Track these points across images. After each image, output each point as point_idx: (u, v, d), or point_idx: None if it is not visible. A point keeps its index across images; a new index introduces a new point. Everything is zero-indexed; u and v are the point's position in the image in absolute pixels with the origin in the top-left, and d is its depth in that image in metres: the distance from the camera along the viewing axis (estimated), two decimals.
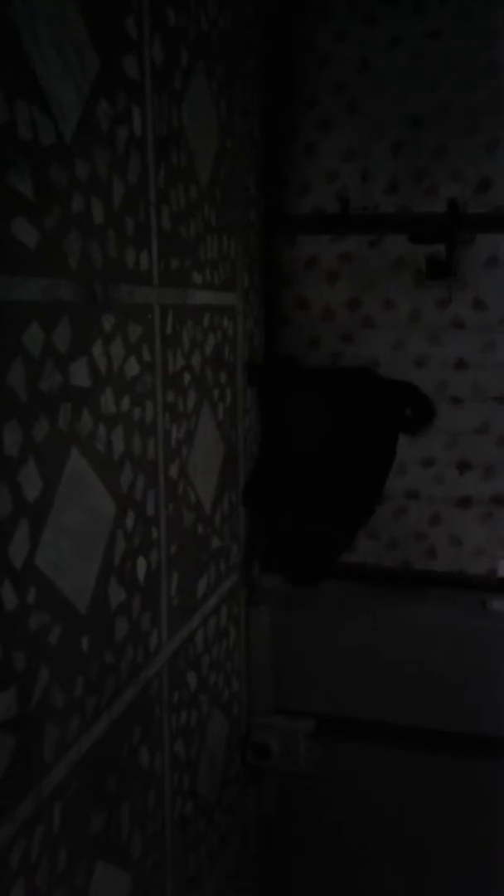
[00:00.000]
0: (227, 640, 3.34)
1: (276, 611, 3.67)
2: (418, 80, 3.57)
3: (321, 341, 3.80)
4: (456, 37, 3.52)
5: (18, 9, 1.68)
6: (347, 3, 3.62)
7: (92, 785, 2.13)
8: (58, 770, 1.94)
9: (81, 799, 2.06)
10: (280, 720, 3.61)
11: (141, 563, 2.43)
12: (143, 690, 2.46)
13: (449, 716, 3.61)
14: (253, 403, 3.63)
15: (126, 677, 2.33)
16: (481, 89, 3.51)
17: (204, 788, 3.08)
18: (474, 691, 3.58)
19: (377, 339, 3.74)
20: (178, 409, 2.69)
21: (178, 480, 2.72)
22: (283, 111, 3.69)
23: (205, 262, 2.88)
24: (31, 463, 1.78)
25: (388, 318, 3.72)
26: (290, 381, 3.82)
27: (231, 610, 3.39)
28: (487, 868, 3.59)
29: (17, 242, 1.71)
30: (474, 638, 3.63)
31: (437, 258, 3.54)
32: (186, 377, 2.75)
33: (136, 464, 2.35)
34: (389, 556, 3.89)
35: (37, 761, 1.85)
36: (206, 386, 2.96)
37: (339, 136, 3.68)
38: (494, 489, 3.74)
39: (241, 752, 3.49)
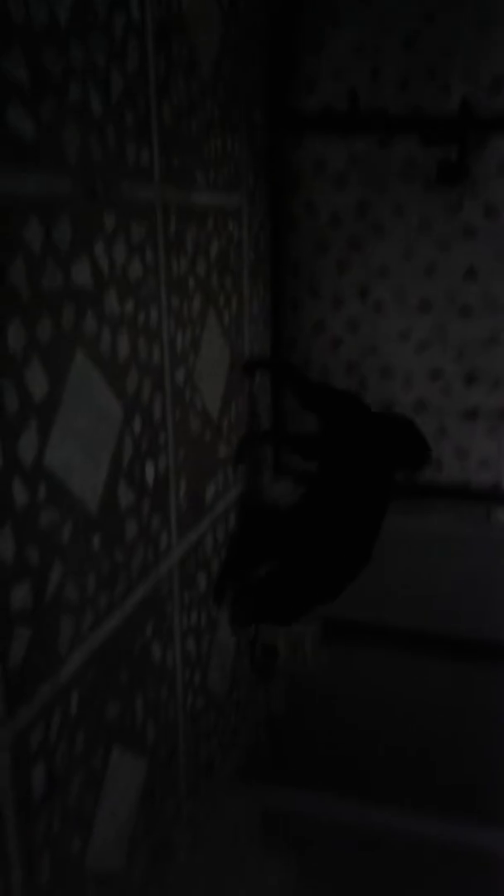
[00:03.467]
0: (235, 545, 3.40)
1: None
2: None
3: (329, 247, 3.74)
4: None
5: None
6: None
7: (106, 676, 2.21)
8: (73, 660, 2.01)
9: (97, 688, 2.15)
10: None
11: (149, 467, 2.46)
12: (154, 589, 2.53)
13: (452, 621, 3.71)
14: (261, 310, 3.60)
15: (137, 576, 2.39)
16: None
17: (214, 685, 3.20)
18: (477, 598, 3.67)
19: (386, 246, 3.67)
20: (183, 314, 2.67)
21: (185, 387, 2.73)
22: (290, 1, 3.53)
23: (208, 161, 2.81)
24: (36, 362, 1.79)
25: (398, 224, 3.64)
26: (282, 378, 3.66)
27: (241, 516, 3.45)
28: (486, 766, 3.74)
29: (12, 133, 1.67)
30: (478, 548, 3.69)
31: (449, 161, 3.43)
32: (191, 282, 2.72)
33: (141, 369, 2.36)
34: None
35: (53, 652, 1.93)
36: (211, 292, 2.93)
37: (349, 30, 3.51)
38: (502, 401, 3.73)
39: (249, 652, 3.60)
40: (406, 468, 3.08)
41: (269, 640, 3.63)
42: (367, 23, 3.49)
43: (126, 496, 2.30)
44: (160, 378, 2.50)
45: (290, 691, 3.93)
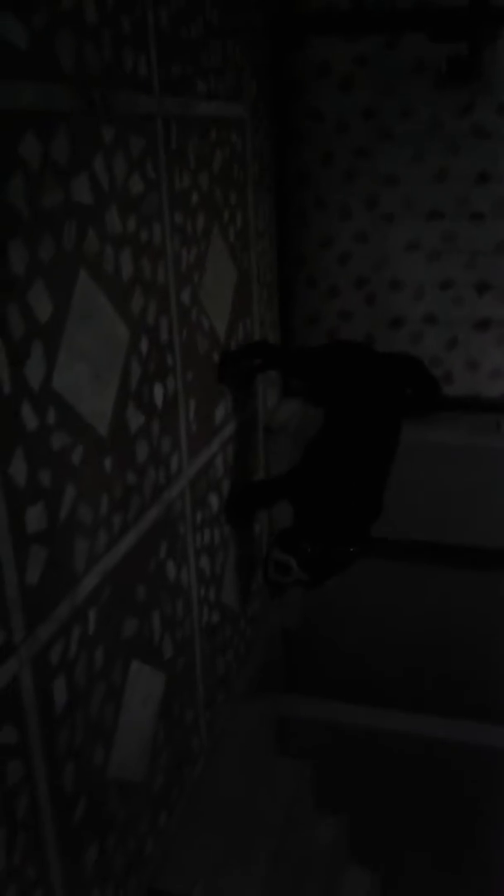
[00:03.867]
0: (247, 466, 3.42)
1: (293, 438, 3.73)
2: None
3: (335, 156, 3.62)
4: None
5: None
6: None
7: (122, 594, 2.26)
8: (89, 579, 2.05)
9: (114, 606, 2.20)
10: None
11: (158, 389, 2.45)
12: (167, 510, 2.56)
13: (464, 532, 3.75)
14: (267, 226, 3.51)
15: (150, 497, 2.41)
16: None
17: (229, 600, 3.27)
18: (489, 508, 3.69)
19: (394, 151, 3.55)
20: (187, 231, 2.61)
21: (191, 307, 2.69)
22: None
23: (209, 69, 2.69)
24: (40, 283, 1.76)
25: (406, 128, 3.51)
26: (270, 364, 3.29)
27: (250, 437, 3.45)
28: (495, 673, 3.85)
29: (4, 42, 1.60)
30: (488, 458, 3.70)
31: (460, 57, 3.28)
32: (194, 197, 2.65)
33: (146, 288, 2.32)
34: None
35: (69, 571, 1.96)
36: (215, 207, 2.85)
37: None
38: None
39: (263, 568, 3.67)
40: (415, 410, 2.94)
41: (281, 557, 3.68)
42: None
43: (136, 418, 2.30)
44: (166, 298, 2.46)
45: (305, 605, 4.02)
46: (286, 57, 3.49)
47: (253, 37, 3.15)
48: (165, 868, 2.63)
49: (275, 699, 3.71)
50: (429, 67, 3.40)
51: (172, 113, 2.41)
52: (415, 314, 3.80)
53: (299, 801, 3.38)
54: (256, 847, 3.01)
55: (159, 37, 2.29)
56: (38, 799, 1.88)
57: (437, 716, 3.49)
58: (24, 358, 1.72)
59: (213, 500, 3.01)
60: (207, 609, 3.01)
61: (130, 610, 2.33)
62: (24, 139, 1.67)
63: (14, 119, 1.64)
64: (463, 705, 3.59)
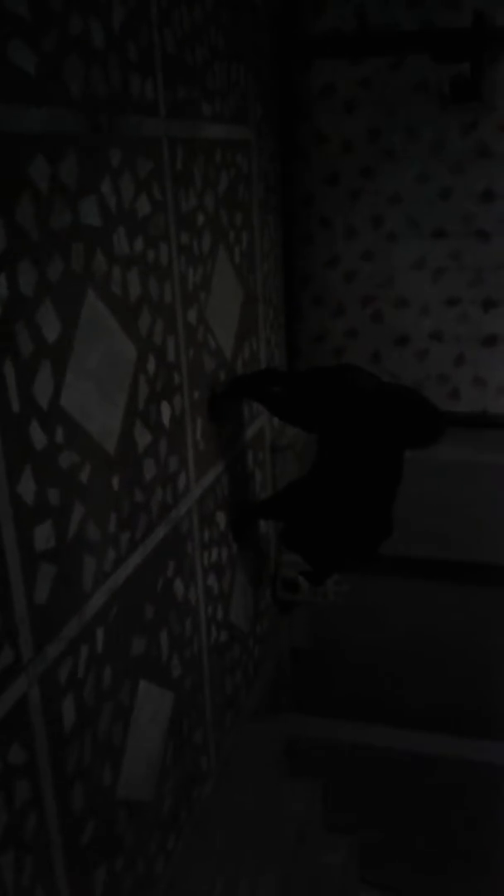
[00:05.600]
0: (254, 484, 3.43)
1: (299, 457, 3.73)
2: None
3: (340, 176, 3.65)
4: None
5: None
6: None
7: (130, 612, 2.26)
8: (98, 597, 2.06)
9: (121, 624, 2.20)
10: None
11: (165, 408, 2.46)
12: (175, 528, 2.56)
13: (471, 549, 3.74)
14: (272, 246, 3.54)
15: (157, 515, 2.42)
16: None
17: (237, 619, 3.26)
18: (496, 525, 3.68)
19: (399, 171, 3.58)
20: (194, 251, 2.63)
21: (198, 326, 2.71)
22: None
23: (214, 91, 2.73)
24: (48, 303, 1.78)
25: (410, 148, 3.54)
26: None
27: (256, 455, 3.46)
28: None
29: (14, 68, 1.63)
30: (497, 474, 3.69)
31: (463, 79, 3.32)
32: (200, 217, 2.67)
33: (153, 308, 2.34)
34: None
35: (77, 589, 1.97)
36: (221, 227, 2.88)
37: None
38: None
39: (271, 586, 3.66)
40: (416, 445, 2.74)
41: (290, 575, 3.68)
42: None
43: (143, 437, 2.31)
44: (172, 317, 2.48)
45: (313, 623, 4.00)
46: (291, 79, 3.54)
47: (258, 60, 3.19)
48: (174, 890, 2.60)
49: (284, 719, 3.69)
50: (432, 88, 3.43)
51: (178, 135, 2.44)
52: (421, 331, 3.81)
53: (309, 821, 3.35)
54: (266, 868, 2.97)
55: (165, 61, 2.32)
56: (47, 820, 1.87)
57: (448, 734, 3.47)
58: (32, 377, 1.74)
59: (221, 519, 3.01)
60: (215, 628, 3.00)
61: (138, 628, 2.32)
62: (34, 162, 1.70)
63: (23, 142, 1.67)
64: (477, 723, 3.56)
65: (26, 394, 1.72)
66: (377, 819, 3.48)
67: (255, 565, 3.46)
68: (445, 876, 3.39)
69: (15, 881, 1.75)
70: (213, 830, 2.86)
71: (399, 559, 3.79)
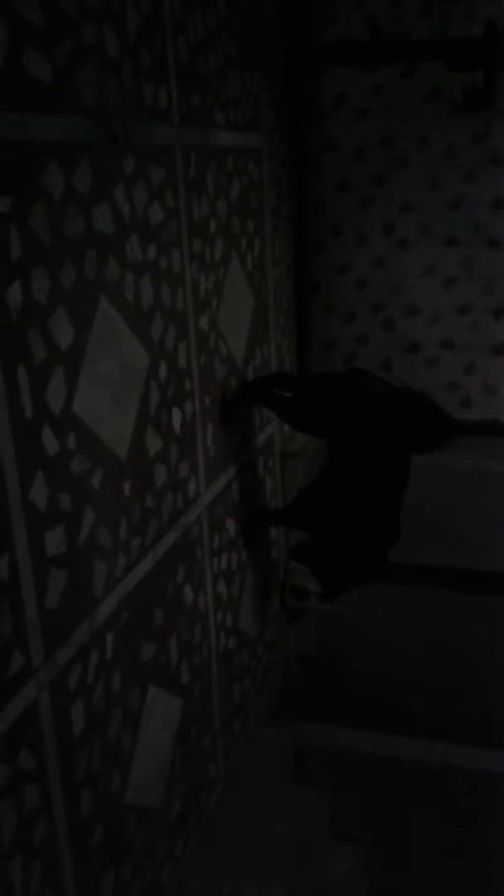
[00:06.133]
0: (264, 491, 3.43)
1: (310, 463, 3.73)
2: None
3: (351, 184, 3.66)
4: None
5: None
6: None
7: (140, 618, 2.26)
8: (108, 603, 2.06)
9: (131, 630, 2.20)
10: None
11: (176, 414, 2.47)
12: (185, 534, 2.56)
13: (482, 558, 3.72)
14: (284, 253, 3.55)
15: (168, 521, 2.42)
16: None
17: (246, 626, 3.26)
18: None
19: (410, 179, 3.59)
20: (206, 258, 2.64)
21: (209, 333, 2.72)
22: None
23: (227, 99, 2.74)
24: (61, 310, 1.79)
25: (422, 156, 3.54)
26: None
27: (266, 462, 3.46)
28: None
29: (29, 76, 1.64)
30: None
31: (475, 87, 3.32)
32: (212, 225, 2.68)
33: (165, 315, 2.35)
34: None
35: (88, 594, 1.97)
36: (233, 234, 2.89)
37: None
38: None
39: (280, 593, 3.66)
40: (426, 449, 2.74)
41: (298, 582, 3.67)
42: None
43: (154, 443, 2.32)
44: (184, 324, 2.49)
45: (321, 631, 3.99)
46: (303, 87, 3.55)
47: (270, 68, 3.20)
48: None
49: (292, 726, 3.68)
50: (444, 96, 3.44)
51: (191, 143, 2.45)
52: (432, 339, 3.81)
53: (317, 828, 3.34)
54: (274, 876, 2.96)
55: (179, 69, 2.34)
56: (55, 825, 1.87)
57: (457, 743, 3.45)
58: (45, 383, 1.75)
59: (230, 525, 3.01)
60: (224, 634, 3.00)
61: (148, 634, 2.33)
62: (47, 170, 1.71)
63: (37, 150, 1.68)
64: (486, 732, 3.54)
65: (39, 400, 1.73)
66: (384, 827, 3.46)
67: (264, 572, 3.45)
68: (452, 887, 3.37)
69: (23, 886, 1.76)
70: (220, 837, 2.85)
71: (408, 567, 3.78)
